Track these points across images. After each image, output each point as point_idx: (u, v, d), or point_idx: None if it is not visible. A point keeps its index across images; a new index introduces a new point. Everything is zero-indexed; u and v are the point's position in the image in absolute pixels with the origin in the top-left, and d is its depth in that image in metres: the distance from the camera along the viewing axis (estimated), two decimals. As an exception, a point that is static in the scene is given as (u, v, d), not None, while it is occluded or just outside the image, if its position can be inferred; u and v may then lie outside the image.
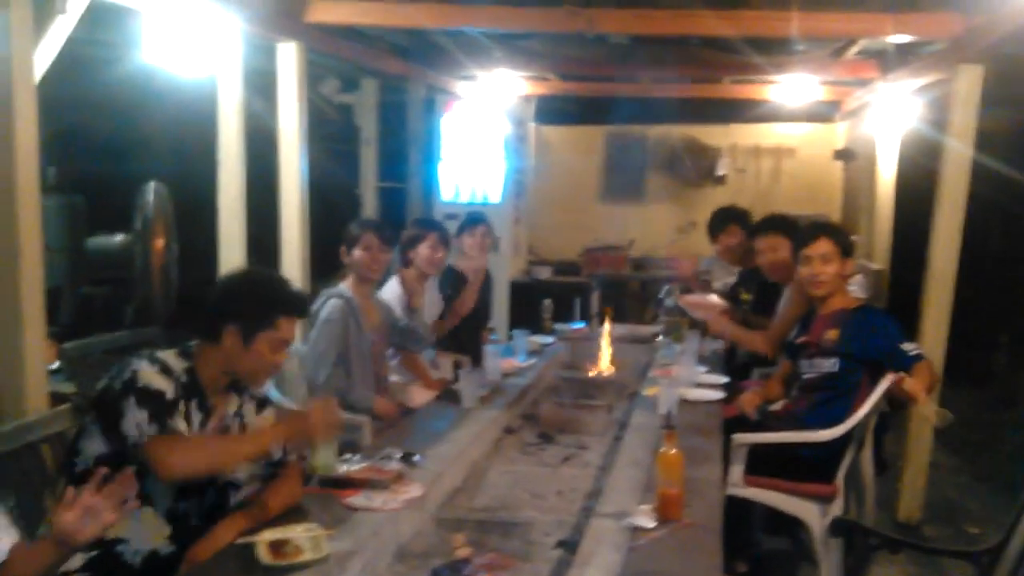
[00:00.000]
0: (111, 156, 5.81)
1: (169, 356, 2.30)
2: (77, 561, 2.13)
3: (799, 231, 4.14)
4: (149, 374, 2.19)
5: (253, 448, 2.32)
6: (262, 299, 2.36)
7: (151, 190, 4.91)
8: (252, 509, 2.27)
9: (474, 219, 4.97)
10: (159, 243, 4.95)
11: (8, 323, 2.65)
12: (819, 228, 3.68)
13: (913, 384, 3.19)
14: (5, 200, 2.65)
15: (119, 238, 5.22)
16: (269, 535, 2.08)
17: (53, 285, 5.03)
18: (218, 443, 2.30)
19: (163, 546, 2.23)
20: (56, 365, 3.44)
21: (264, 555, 2.02)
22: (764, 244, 4.29)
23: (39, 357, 2.72)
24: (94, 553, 2.15)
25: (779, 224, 4.32)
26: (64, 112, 4.86)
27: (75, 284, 5.26)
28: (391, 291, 4.22)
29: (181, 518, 2.26)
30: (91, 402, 2.25)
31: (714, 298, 4.62)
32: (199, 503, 2.30)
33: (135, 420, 2.12)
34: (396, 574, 2.19)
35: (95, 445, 2.18)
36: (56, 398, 2.91)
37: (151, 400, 2.16)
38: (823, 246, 3.56)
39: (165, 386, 2.21)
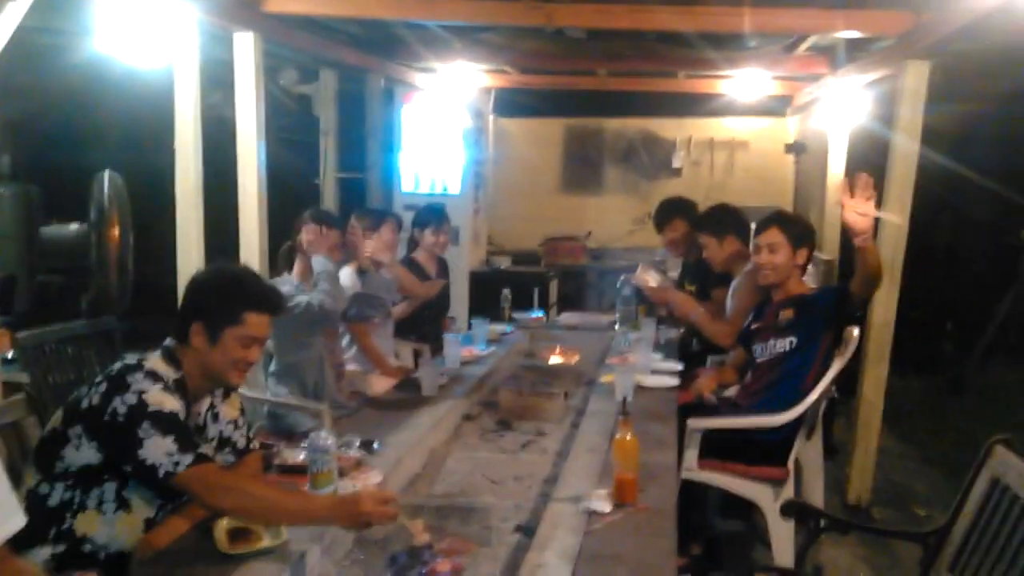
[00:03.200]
0: (67, 145, 5.73)
1: (156, 364, 2.24)
2: (44, 555, 2.11)
3: (738, 223, 4.27)
4: (157, 395, 2.13)
5: (302, 517, 2.12)
6: (226, 295, 2.33)
7: (105, 179, 4.84)
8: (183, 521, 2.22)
9: (442, 215, 5.08)
10: (114, 233, 4.88)
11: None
12: (770, 218, 3.76)
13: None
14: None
15: (74, 227, 5.15)
16: (227, 523, 2.09)
17: (7, 273, 4.97)
18: (270, 498, 2.13)
19: (132, 547, 2.19)
20: (10, 355, 3.39)
21: (222, 543, 2.03)
22: (703, 239, 4.40)
23: (-8, 346, 2.69)
24: (61, 548, 2.13)
25: (712, 220, 4.42)
26: (17, 101, 4.79)
27: (30, 273, 5.19)
28: (345, 276, 4.21)
29: (157, 523, 2.23)
30: (76, 416, 2.14)
31: (653, 272, 4.69)
32: (177, 503, 2.25)
33: (162, 449, 2.06)
34: (355, 560, 2.22)
35: (84, 456, 2.13)
36: (9, 388, 2.88)
37: (170, 425, 2.10)
38: (771, 235, 3.65)
39: (175, 405, 2.16)
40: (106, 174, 4.80)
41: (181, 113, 4.05)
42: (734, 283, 4.26)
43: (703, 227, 4.42)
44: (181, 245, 4.08)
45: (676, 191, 5.68)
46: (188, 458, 2.07)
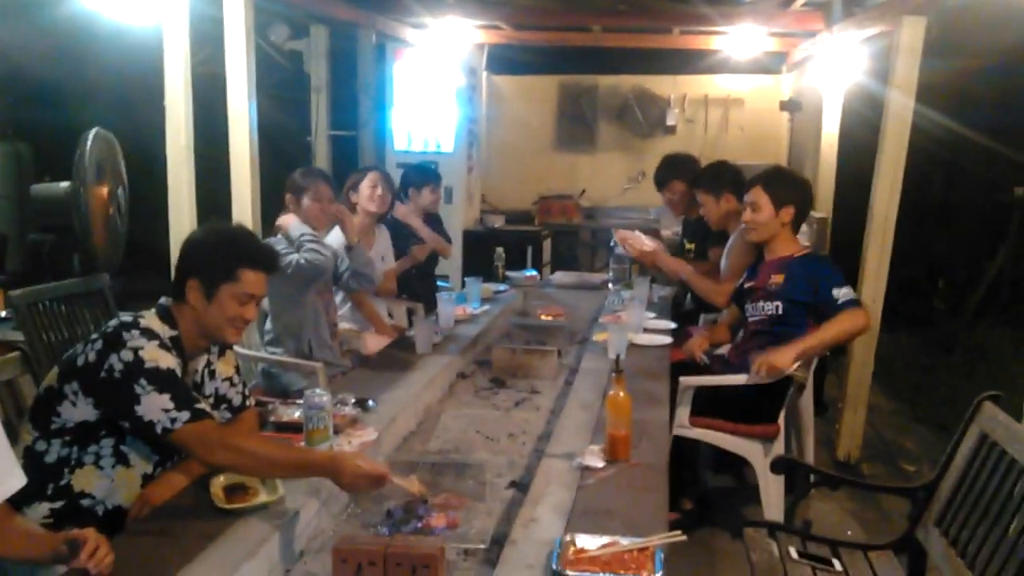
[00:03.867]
0: (58, 103, 5.67)
1: (152, 321, 2.24)
2: (43, 511, 2.14)
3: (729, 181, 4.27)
4: (153, 352, 2.13)
5: (298, 471, 2.15)
6: (222, 251, 2.33)
7: (90, 137, 4.79)
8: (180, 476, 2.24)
9: (434, 175, 5.12)
10: (102, 191, 4.84)
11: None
12: (755, 178, 3.75)
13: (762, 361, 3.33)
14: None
15: (65, 185, 5.11)
16: (224, 479, 2.12)
17: (-1, 232, 4.94)
18: (267, 453, 2.13)
19: (130, 503, 2.21)
20: (4, 313, 3.39)
21: (219, 498, 2.05)
22: (701, 197, 4.39)
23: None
24: (59, 504, 2.15)
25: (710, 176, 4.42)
26: (6, 59, 4.72)
27: (21, 232, 5.16)
28: (334, 238, 4.20)
29: (154, 478, 2.25)
30: (72, 372, 2.15)
31: (643, 237, 4.68)
32: (176, 460, 2.27)
33: (158, 406, 2.07)
34: (352, 515, 2.24)
35: (80, 412, 2.14)
36: (4, 346, 2.89)
37: (167, 382, 2.10)
38: (754, 194, 3.66)
39: (172, 362, 2.16)
40: (92, 132, 4.74)
41: (171, 71, 3.99)
42: (729, 241, 4.27)
43: (700, 184, 4.41)
44: (173, 204, 4.05)
45: (671, 149, 5.64)
46: (185, 415, 2.08)
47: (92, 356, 2.13)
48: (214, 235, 2.42)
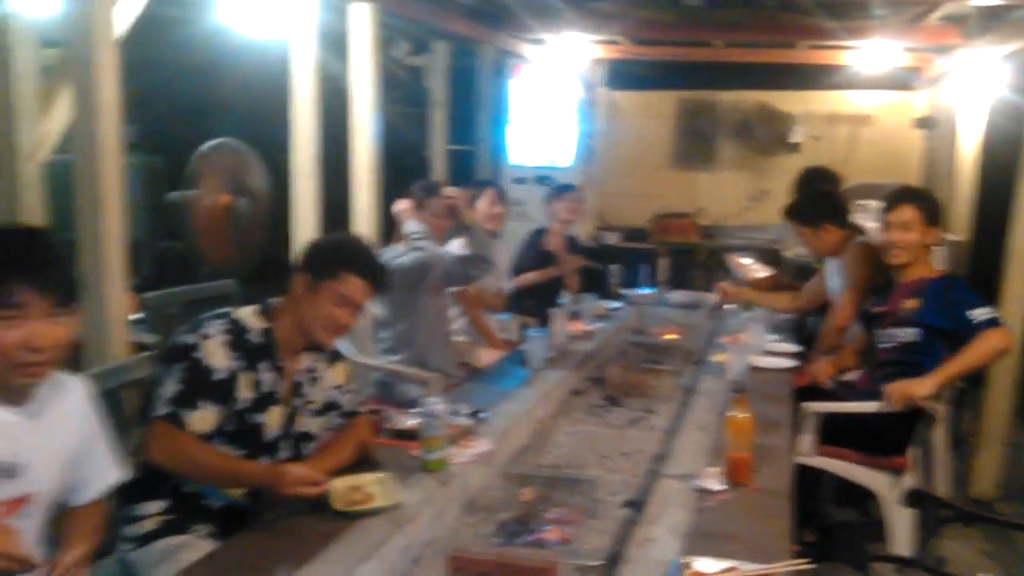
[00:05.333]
0: (191, 118, 5.93)
1: (247, 315, 2.32)
2: (156, 506, 2.21)
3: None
4: (211, 347, 2.21)
5: (234, 481, 2.23)
6: (332, 251, 2.42)
7: (206, 148, 4.99)
8: (325, 457, 2.31)
9: (566, 186, 5.41)
10: (217, 200, 5.02)
11: (91, 274, 2.69)
12: (903, 194, 3.57)
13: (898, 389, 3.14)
14: (88, 156, 2.69)
15: (187, 194, 5.34)
16: (341, 482, 2.13)
17: (134, 239, 5.18)
18: (209, 462, 2.17)
19: (240, 500, 2.28)
20: (139, 316, 3.54)
21: (337, 501, 2.06)
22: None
23: (120, 306, 2.79)
24: (173, 502, 2.23)
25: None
26: (144, 74, 4.94)
27: (153, 239, 5.42)
28: (456, 246, 4.22)
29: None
30: (163, 353, 2.30)
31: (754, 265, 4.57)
32: (272, 460, 2.31)
33: (167, 391, 2.14)
34: (465, 524, 2.22)
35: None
36: (139, 348, 3.01)
37: (193, 378, 2.17)
38: (905, 213, 3.45)
39: (222, 364, 2.21)
40: (210, 143, 4.94)
41: (298, 84, 4.11)
42: (838, 262, 4.06)
43: (795, 217, 4.21)
44: (297, 214, 4.16)
45: (794, 167, 5.47)
46: (166, 408, 2.13)
47: (177, 336, 2.26)
48: (332, 237, 2.57)
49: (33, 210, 3.05)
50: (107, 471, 1.97)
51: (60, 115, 3.07)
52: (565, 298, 4.54)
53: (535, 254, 5.14)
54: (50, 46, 3.07)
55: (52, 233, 1.95)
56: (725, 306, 4.57)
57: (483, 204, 4.37)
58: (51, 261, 1.71)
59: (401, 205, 3.89)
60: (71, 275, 1.77)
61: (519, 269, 5.10)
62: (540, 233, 5.19)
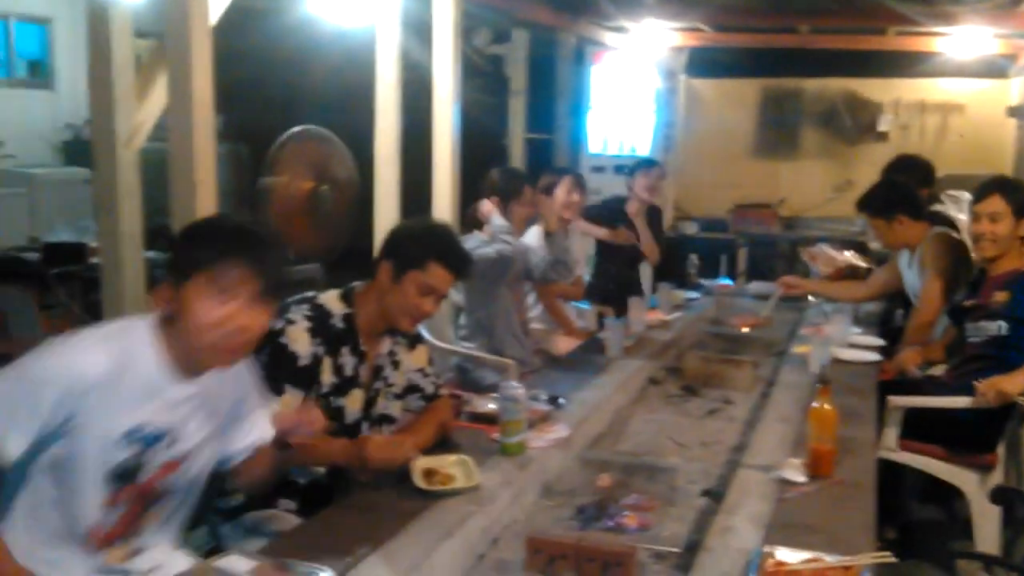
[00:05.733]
0: (275, 106, 6.07)
1: (330, 299, 2.37)
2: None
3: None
4: (295, 332, 2.25)
5: (320, 458, 2.29)
6: (419, 240, 2.42)
7: (288, 135, 5.07)
8: (407, 436, 2.35)
9: (648, 160, 5.47)
10: (298, 185, 5.09)
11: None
12: (991, 184, 3.45)
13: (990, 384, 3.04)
14: (182, 144, 2.77)
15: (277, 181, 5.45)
16: (423, 463, 2.17)
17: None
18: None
19: (322, 478, 2.35)
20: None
21: (419, 479, 2.11)
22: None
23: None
24: None
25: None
26: (230, 63, 5.07)
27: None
28: (532, 236, 4.24)
29: None
30: None
31: (832, 252, 4.45)
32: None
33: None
34: (543, 508, 2.24)
35: None
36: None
37: (279, 363, 2.22)
38: (993, 203, 3.35)
39: (304, 349, 2.26)
40: (292, 130, 5.02)
41: (382, 72, 4.17)
42: (917, 253, 3.94)
43: (867, 209, 4.08)
44: (379, 201, 4.22)
45: (882, 157, 5.32)
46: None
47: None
48: (418, 224, 2.55)
49: (130, 195, 3.17)
50: (263, 425, 2.02)
51: (155, 103, 3.19)
52: (645, 278, 4.53)
53: (609, 214, 5.15)
54: (141, 37, 3.17)
55: (276, 234, 2.13)
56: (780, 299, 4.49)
57: (561, 192, 4.37)
58: (273, 254, 1.82)
59: (486, 207, 3.92)
60: (283, 271, 1.89)
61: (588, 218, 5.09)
62: (621, 200, 5.21)
